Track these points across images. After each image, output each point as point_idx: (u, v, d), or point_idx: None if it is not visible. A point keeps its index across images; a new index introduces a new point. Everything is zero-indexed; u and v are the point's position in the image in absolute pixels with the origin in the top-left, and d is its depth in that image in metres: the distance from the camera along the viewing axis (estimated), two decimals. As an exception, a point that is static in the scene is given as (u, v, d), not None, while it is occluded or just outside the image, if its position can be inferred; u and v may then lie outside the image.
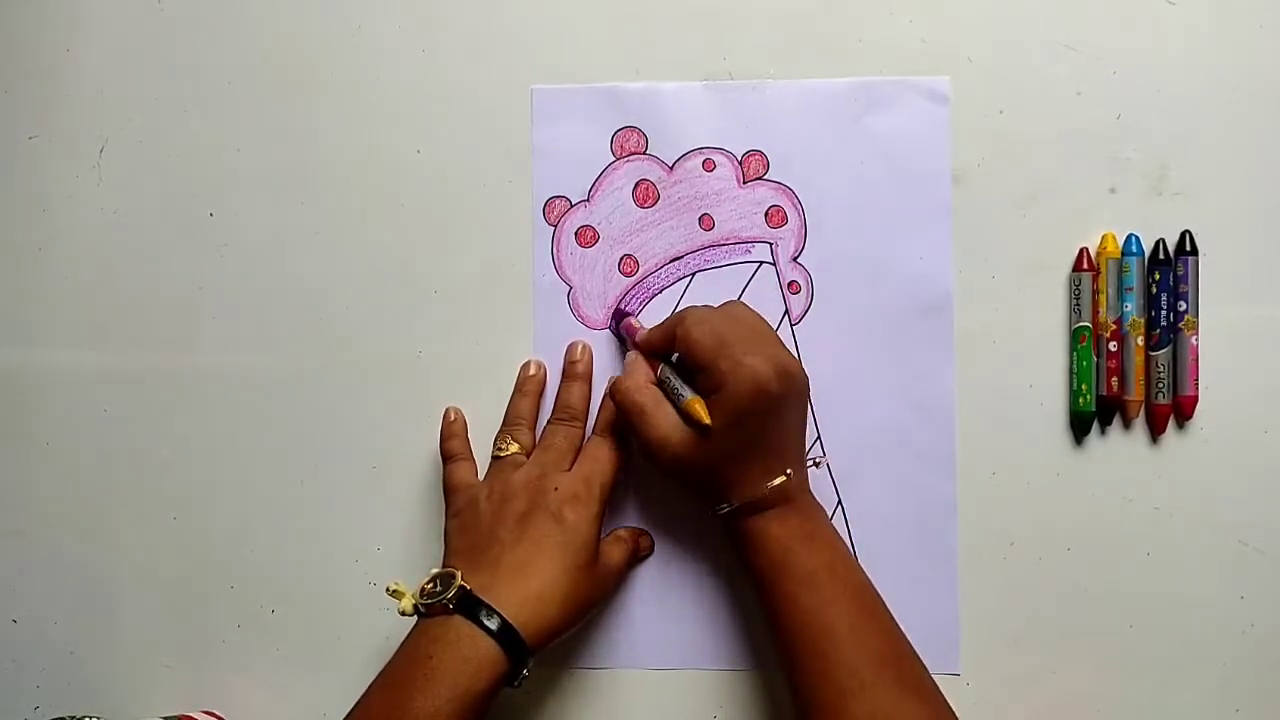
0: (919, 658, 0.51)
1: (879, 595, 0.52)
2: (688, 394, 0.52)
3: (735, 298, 0.59)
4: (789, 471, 0.52)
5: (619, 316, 0.59)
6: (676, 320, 0.54)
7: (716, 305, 0.55)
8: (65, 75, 0.61)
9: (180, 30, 0.61)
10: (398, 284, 0.60)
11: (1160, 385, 0.57)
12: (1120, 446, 0.58)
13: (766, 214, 0.59)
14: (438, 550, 0.55)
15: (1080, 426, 0.58)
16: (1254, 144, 0.57)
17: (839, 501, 0.58)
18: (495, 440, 0.58)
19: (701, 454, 0.52)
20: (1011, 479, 0.58)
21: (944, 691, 0.50)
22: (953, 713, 0.50)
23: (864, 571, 0.53)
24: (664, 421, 0.52)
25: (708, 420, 0.51)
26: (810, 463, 0.55)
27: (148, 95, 0.61)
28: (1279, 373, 0.57)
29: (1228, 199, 0.57)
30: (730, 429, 0.51)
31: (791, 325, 0.59)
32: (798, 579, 0.51)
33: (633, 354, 0.56)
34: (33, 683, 0.61)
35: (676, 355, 0.54)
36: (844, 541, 0.54)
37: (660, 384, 0.54)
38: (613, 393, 0.55)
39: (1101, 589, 0.58)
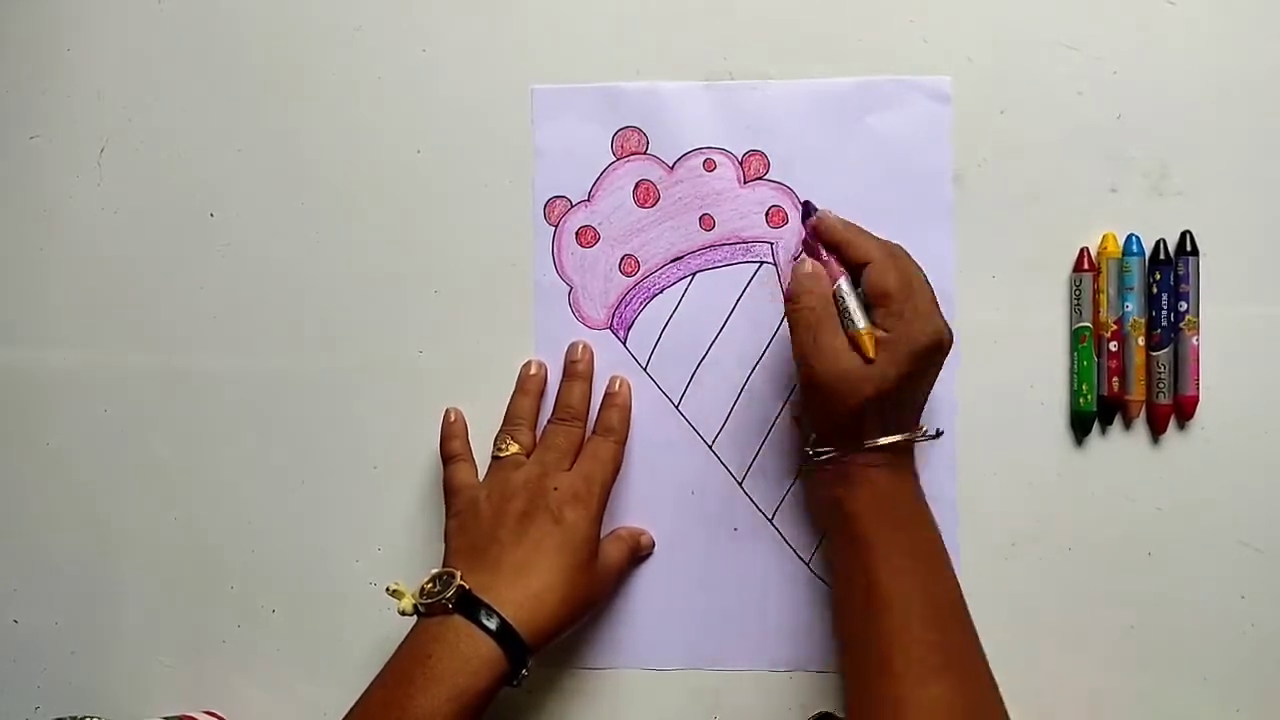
0: None
1: None
2: (860, 323, 0.51)
3: (737, 298, 0.59)
4: (924, 427, 0.54)
5: (808, 210, 0.55)
6: (876, 246, 0.52)
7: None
8: (65, 75, 0.61)
9: (180, 30, 0.61)
10: (398, 284, 0.60)
11: (1161, 385, 0.57)
12: (1121, 446, 0.58)
13: (767, 214, 0.59)
14: (438, 550, 0.55)
15: (1081, 426, 0.58)
16: (1254, 144, 0.57)
17: (839, 501, 0.58)
18: (495, 440, 0.57)
19: (857, 385, 0.50)
20: (1012, 479, 0.58)
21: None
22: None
23: None
24: (834, 344, 0.51)
25: (873, 354, 0.50)
26: (927, 433, 0.54)
27: (148, 95, 0.61)
28: (1279, 373, 0.57)
29: (1228, 199, 0.57)
30: (891, 371, 0.50)
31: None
32: (906, 523, 0.52)
33: (812, 265, 0.53)
34: (33, 683, 0.61)
35: (854, 283, 0.52)
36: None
37: (835, 299, 0.52)
38: (789, 299, 0.53)
39: (1101, 589, 0.58)
